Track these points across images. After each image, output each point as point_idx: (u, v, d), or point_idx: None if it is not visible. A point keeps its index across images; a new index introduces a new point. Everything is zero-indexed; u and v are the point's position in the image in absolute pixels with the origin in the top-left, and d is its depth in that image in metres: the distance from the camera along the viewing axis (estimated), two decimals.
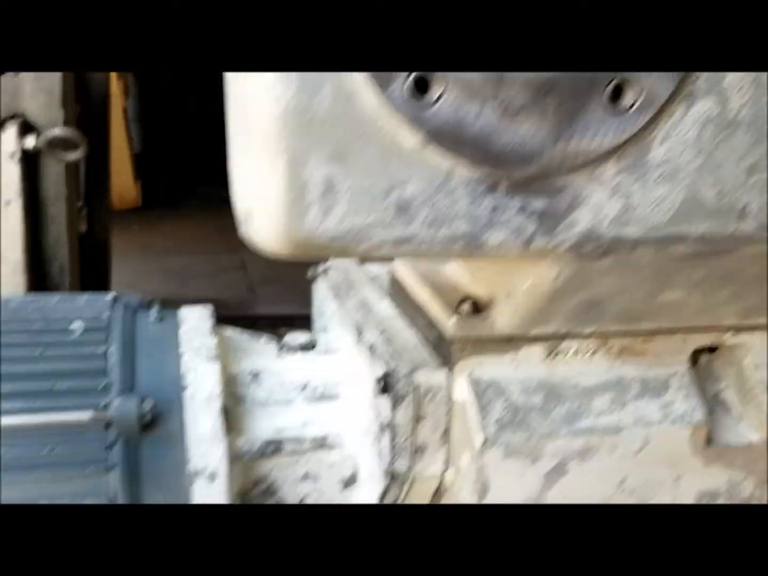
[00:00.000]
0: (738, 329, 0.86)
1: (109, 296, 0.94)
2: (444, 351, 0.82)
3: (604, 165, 0.64)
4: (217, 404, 0.85)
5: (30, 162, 1.52)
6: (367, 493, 0.89)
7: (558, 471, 0.80)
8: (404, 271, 0.95)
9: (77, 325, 0.86)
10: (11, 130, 1.51)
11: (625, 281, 0.74)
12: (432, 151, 0.60)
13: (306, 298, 1.18)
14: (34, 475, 0.75)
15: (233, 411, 0.88)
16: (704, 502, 0.86)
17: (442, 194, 0.61)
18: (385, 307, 0.98)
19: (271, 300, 3.54)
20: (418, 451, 0.81)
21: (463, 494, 0.81)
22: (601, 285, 0.73)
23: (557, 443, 0.79)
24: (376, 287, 1.04)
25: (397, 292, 0.98)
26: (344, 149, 0.59)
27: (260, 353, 0.97)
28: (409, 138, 0.59)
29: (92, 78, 1.94)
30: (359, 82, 0.57)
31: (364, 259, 1.10)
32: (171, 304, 0.97)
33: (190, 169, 5.27)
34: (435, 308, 0.83)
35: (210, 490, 0.81)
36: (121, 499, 0.77)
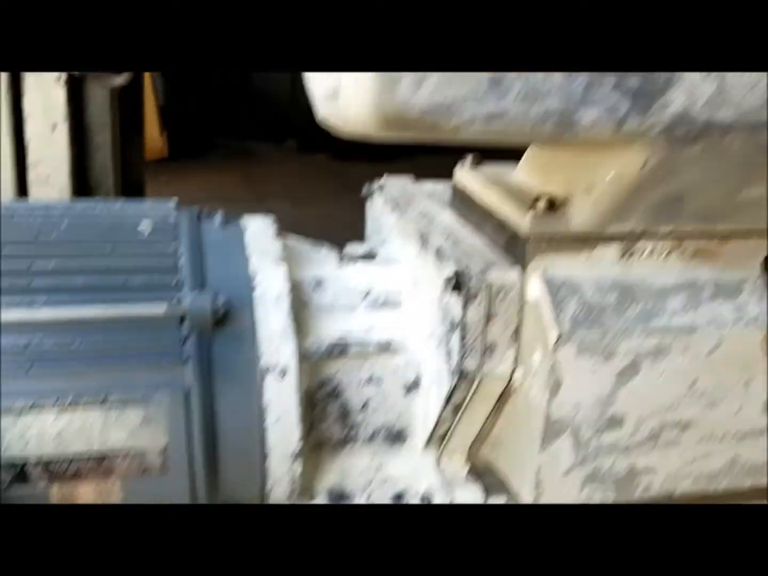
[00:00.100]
0: None
1: (172, 202, 0.94)
2: (515, 252, 0.81)
3: None
4: (286, 304, 0.85)
5: (75, 86, 1.51)
6: (432, 396, 0.89)
7: (630, 370, 0.79)
8: (470, 177, 0.94)
9: (145, 225, 0.86)
10: None
11: (710, 173, 0.72)
12: None
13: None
14: (112, 364, 0.76)
15: (299, 315, 0.88)
16: None
17: None
18: (447, 217, 0.97)
19: None
20: (487, 350, 0.81)
21: (532, 393, 0.81)
22: (685, 177, 0.72)
23: (631, 342, 0.78)
24: (436, 200, 1.03)
25: (461, 201, 0.96)
26: None
27: (322, 262, 0.97)
28: None
29: None
30: None
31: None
32: None
33: (214, 122, 5.25)
34: (508, 208, 0.82)
35: (280, 386, 0.82)
36: (195, 392, 0.78)
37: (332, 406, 0.90)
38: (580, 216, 0.77)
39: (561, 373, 0.78)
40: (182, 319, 0.79)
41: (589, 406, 0.80)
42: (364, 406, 0.92)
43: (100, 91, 1.55)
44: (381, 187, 1.10)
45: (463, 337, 0.80)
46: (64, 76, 1.48)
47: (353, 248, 1.00)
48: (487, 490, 0.93)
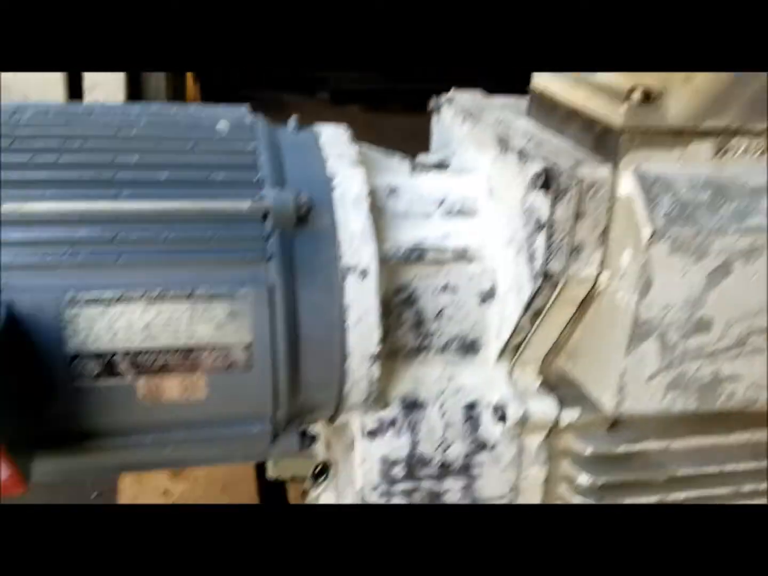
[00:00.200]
0: None
1: (246, 107, 0.92)
2: (605, 149, 0.79)
3: None
4: (365, 205, 0.84)
5: None
6: (509, 305, 0.88)
7: (721, 271, 0.77)
8: (552, 78, 0.90)
9: (223, 125, 0.85)
10: None
11: None
12: None
13: None
14: (198, 258, 0.76)
15: (375, 221, 0.87)
16: None
17: None
18: (525, 123, 0.94)
19: None
20: (574, 251, 0.79)
21: (620, 295, 0.80)
22: None
23: (724, 240, 0.76)
24: (510, 110, 1.00)
25: (539, 106, 0.94)
26: None
27: (395, 170, 0.95)
28: None
29: None
30: None
31: None
32: None
33: (244, 74, 5.21)
34: (599, 102, 0.80)
35: (361, 287, 0.81)
36: (278, 289, 0.77)
37: (407, 313, 0.90)
38: (675, 108, 0.75)
39: (652, 273, 0.76)
40: (265, 216, 0.78)
41: (677, 307, 0.78)
42: (439, 314, 0.91)
43: None
44: (450, 100, 1.07)
45: (549, 238, 0.78)
46: None
47: (425, 157, 0.99)
48: (562, 402, 0.92)
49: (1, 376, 0.64)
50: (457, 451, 0.93)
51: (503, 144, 0.88)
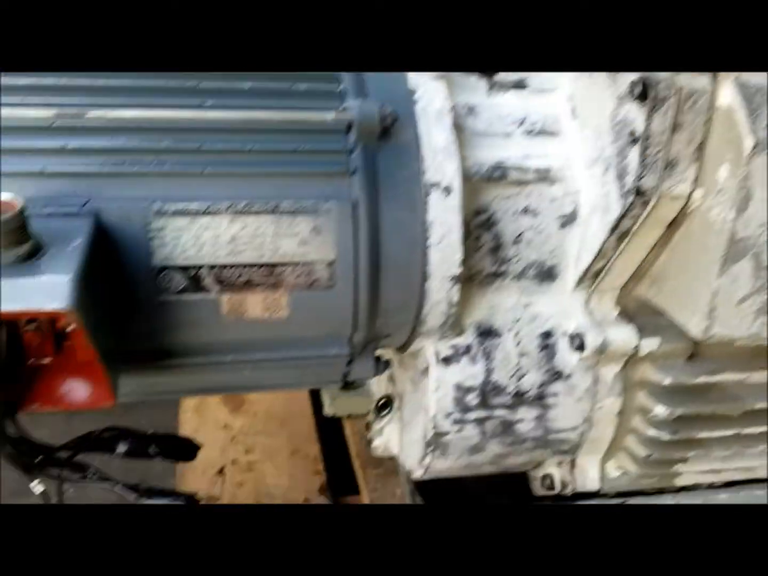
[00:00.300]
0: None
1: None
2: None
3: None
4: (448, 119, 0.81)
5: None
6: (592, 228, 0.86)
7: None
8: None
9: None
10: None
11: None
12: None
13: None
14: (282, 171, 0.74)
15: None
16: None
17: None
18: None
19: None
20: (668, 165, 0.76)
21: (714, 212, 0.77)
22: None
23: None
24: None
25: None
26: None
27: (472, 89, 0.92)
28: None
29: None
30: None
31: None
32: None
33: None
34: None
35: (444, 204, 0.79)
36: (362, 204, 0.75)
37: (486, 236, 0.88)
38: None
39: (752, 186, 0.73)
40: (349, 128, 0.76)
41: None
42: (518, 238, 0.88)
43: None
44: None
45: (643, 152, 0.75)
46: None
47: (504, 75, 0.95)
48: (641, 331, 0.90)
49: (92, 286, 0.63)
50: (531, 380, 0.91)
51: None
